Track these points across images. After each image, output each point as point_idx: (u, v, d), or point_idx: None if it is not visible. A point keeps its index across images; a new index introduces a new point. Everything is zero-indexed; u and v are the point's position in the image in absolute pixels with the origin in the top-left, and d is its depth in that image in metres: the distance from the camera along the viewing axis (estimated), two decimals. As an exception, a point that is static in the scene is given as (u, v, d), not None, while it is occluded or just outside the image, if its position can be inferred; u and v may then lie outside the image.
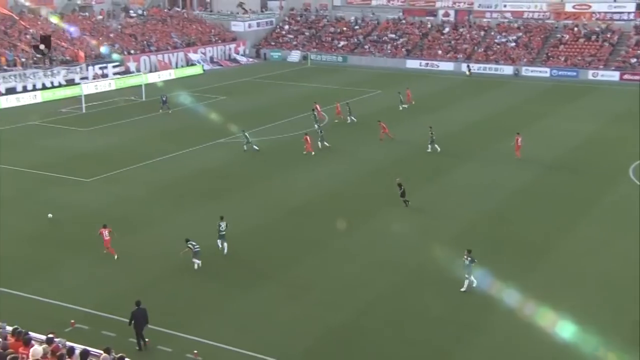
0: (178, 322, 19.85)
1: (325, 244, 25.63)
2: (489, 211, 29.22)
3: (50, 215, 27.79)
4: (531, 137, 40.28)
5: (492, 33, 73.43)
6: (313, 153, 37.11)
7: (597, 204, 30.30)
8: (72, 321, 19.08)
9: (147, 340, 18.59)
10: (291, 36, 79.84)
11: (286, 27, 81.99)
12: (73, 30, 62.96)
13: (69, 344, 13.73)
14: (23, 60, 56.42)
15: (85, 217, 27.59)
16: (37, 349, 12.83)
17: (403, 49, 73.56)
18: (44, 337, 13.93)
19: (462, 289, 21.54)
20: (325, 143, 38.33)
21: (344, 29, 79.08)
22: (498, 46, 71.01)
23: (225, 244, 24.47)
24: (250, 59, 76.13)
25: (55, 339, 13.71)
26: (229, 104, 52.15)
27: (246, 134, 38.34)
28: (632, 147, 38.54)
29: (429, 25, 76.63)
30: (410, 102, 50.50)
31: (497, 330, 19.90)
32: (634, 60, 64.71)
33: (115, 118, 46.67)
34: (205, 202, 29.44)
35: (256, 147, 37.98)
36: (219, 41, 75.30)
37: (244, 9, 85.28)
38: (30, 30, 61.17)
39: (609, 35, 68.54)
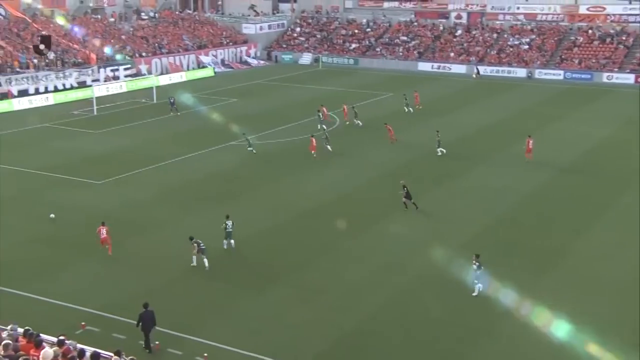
0: (188, 324, 19.79)
1: (335, 247, 25.53)
2: (501, 215, 28.95)
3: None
4: (544, 140, 39.95)
5: (505, 35, 72.89)
6: (314, 155, 36.92)
7: (611, 207, 29.91)
8: (83, 323, 19.09)
9: (157, 343, 18.51)
10: (302, 38, 79.71)
11: (297, 29, 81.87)
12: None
13: (79, 346, 13.79)
14: (35, 62, 56.67)
15: (96, 219, 27.23)
16: (48, 352, 12.83)
17: (415, 52, 73.18)
18: (54, 339, 13.91)
19: (474, 294, 21.35)
20: (329, 147, 37.94)
21: (356, 31, 78.82)
22: (511, 49, 70.46)
23: (232, 241, 24.73)
24: (262, 62, 76.04)
25: (66, 341, 13.71)
26: (240, 107, 52.08)
27: (247, 137, 38.18)
28: (647, 151, 38.09)
29: (441, 28, 76.20)
30: (418, 105, 50.20)
31: (507, 335, 19.69)
32: (649, 62, 64.06)
33: (126, 120, 46.72)
34: (216, 204, 29.33)
35: (253, 150, 37.71)
36: (230, 43, 75.30)
37: (255, 11, 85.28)
38: (43, 33, 61.43)
39: (623, 38, 67.81)
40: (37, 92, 54.27)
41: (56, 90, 55.39)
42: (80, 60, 59.65)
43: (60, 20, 63.24)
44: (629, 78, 63.05)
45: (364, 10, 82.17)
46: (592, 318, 20.19)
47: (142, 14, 75.79)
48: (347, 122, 45.21)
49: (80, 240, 25.96)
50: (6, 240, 25.90)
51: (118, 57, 61.60)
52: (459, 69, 69.09)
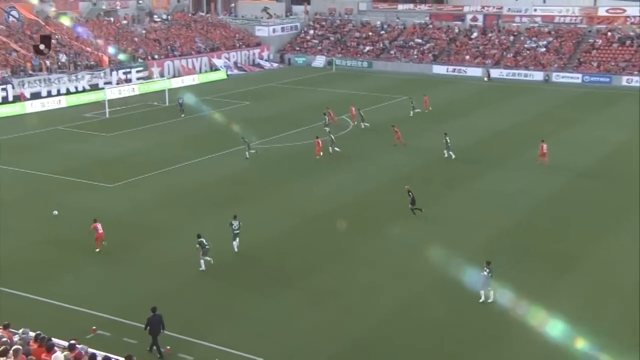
0: (199, 329, 19.66)
1: (346, 251, 25.33)
2: (517, 220, 28.53)
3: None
4: (561, 144, 39.61)
5: (522, 38, 71.84)
6: (318, 157, 36.98)
7: (628, 212, 29.28)
8: (94, 327, 18.99)
9: (168, 347, 18.32)
10: (316, 41, 79.11)
11: (311, 32, 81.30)
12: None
13: (90, 350, 13.81)
14: (48, 65, 56.52)
15: (108, 223, 27.44)
16: (59, 356, 12.90)
17: (430, 54, 72.32)
18: (65, 344, 13.90)
19: (481, 300, 21.07)
20: (333, 149, 37.93)
21: (370, 33, 78.12)
22: (528, 51, 69.43)
23: (238, 240, 24.75)
24: (275, 64, 75.56)
25: (77, 346, 13.72)
26: (252, 110, 51.77)
27: (247, 140, 37.85)
28: (667, 156, 37.27)
29: (457, 30, 75.29)
30: (428, 108, 49.76)
31: (520, 342, 19.28)
32: (670, 65, 62.74)
33: (138, 123, 46.57)
34: (226, 208, 28.93)
35: (247, 155, 37.16)
36: (243, 46, 74.87)
37: (268, 13, 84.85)
38: (56, 36, 61.30)
39: (643, 40, 66.62)
40: (49, 94, 54.24)
41: (68, 92, 55.26)
42: (92, 62, 59.44)
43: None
44: (649, 81, 61.90)
45: (378, 12, 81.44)
46: (607, 323, 19.84)
47: (155, 16, 75.58)
48: (355, 124, 45.17)
49: (91, 243, 25.75)
50: (17, 242, 25.92)
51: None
52: (474, 72, 68.14)
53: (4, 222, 27.72)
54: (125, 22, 71.23)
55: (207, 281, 22.79)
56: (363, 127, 44.38)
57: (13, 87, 52.41)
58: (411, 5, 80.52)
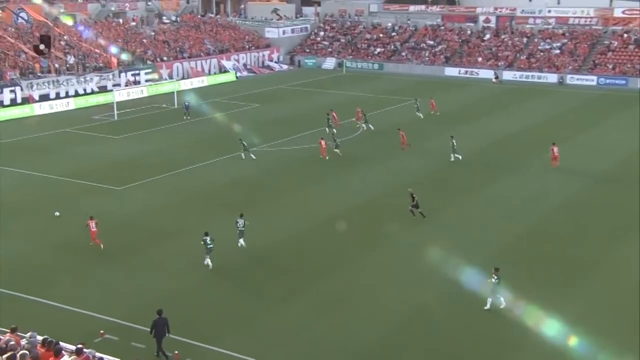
0: (208, 334, 19.41)
1: (357, 256, 25.01)
2: (532, 226, 28.07)
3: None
4: (576, 148, 39.22)
5: (536, 40, 70.79)
6: (321, 157, 37.04)
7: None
8: (102, 331, 18.83)
9: (176, 352, 18.01)
10: (326, 43, 78.40)
11: (321, 33, 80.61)
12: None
13: (98, 354, 13.84)
14: (57, 66, 56.13)
15: (116, 226, 27.55)
16: None
17: (442, 56, 71.45)
18: (73, 348, 13.84)
19: (486, 308, 20.65)
20: (338, 152, 37.77)
21: (381, 35, 77.32)
22: (541, 53, 68.43)
23: (243, 238, 24.78)
24: (284, 66, 74.93)
25: (85, 350, 13.68)
26: (261, 112, 51.32)
27: (243, 142, 37.45)
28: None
29: (469, 32, 74.40)
30: (435, 111, 49.23)
31: (533, 349, 18.89)
32: (687, 68, 61.53)
33: (147, 125, 46.25)
34: (236, 211, 28.45)
35: (243, 156, 37.24)
36: (253, 48, 74.29)
37: (278, 15, 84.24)
38: (65, 37, 60.98)
39: (660, 42, 65.44)
40: (57, 96, 53.86)
41: (77, 94, 54.87)
42: (101, 64, 59.02)
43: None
44: (666, 84, 60.75)
45: (389, 14, 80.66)
46: (626, 332, 19.39)
47: (164, 17, 75.18)
48: (357, 125, 44.90)
49: (99, 247, 25.53)
50: (25, 245, 25.76)
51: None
52: (487, 74, 67.16)
53: (12, 224, 27.74)
54: (134, 23, 70.84)
55: (217, 285, 22.63)
56: (365, 128, 43.96)
57: (22, 89, 52.07)
58: (423, 7, 79.64)
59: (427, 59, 71.68)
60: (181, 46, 68.27)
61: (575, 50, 67.44)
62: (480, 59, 69.53)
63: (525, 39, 71.16)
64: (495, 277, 20.63)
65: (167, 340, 18.18)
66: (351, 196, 31.60)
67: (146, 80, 59.79)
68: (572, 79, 64.23)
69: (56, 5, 65.05)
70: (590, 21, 70.41)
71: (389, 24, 78.61)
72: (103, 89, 56.28)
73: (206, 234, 23.46)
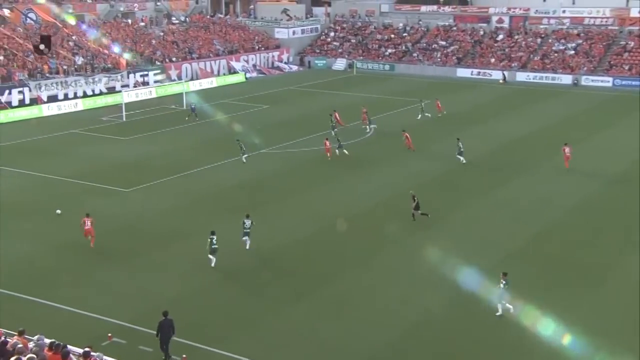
0: (214, 337, 19.30)
1: (367, 260, 24.67)
2: (542, 228, 27.47)
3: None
4: (591, 150, 38.74)
5: (550, 40, 69.69)
6: (328, 157, 36.96)
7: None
8: (109, 334, 18.64)
9: (184, 356, 17.69)
10: (336, 43, 77.65)
11: (331, 34, 79.87)
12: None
13: (106, 358, 13.83)
14: (65, 67, 55.74)
15: (123, 228, 27.41)
16: None
17: (454, 57, 70.50)
18: (80, 351, 13.88)
19: (498, 314, 20.22)
20: (344, 151, 37.66)
21: (392, 36, 76.46)
22: (556, 54, 67.34)
23: (249, 239, 24.81)
24: (294, 67, 74.26)
25: (92, 353, 13.69)
26: (270, 114, 50.81)
27: (241, 144, 36.86)
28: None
29: (482, 32, 73.40)
30: (442, 112, 48.60)
31: (543, 355, 18.44)
32: None
33: (155, 127, 45.86)
34: (243, 214, 28.05)
35: (244, 159, 36.53)
36: (262, 48, 73.68)
37: (288, 15, 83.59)
38: (73, 37, 60.63)
39: (677, 43, 64.15)
40: (66, 97, 53.49)
41: (85, 95, 54.48)
42: (109, 65, 58.59)
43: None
44: (684, 85, 59.48)
45: (400, 14, 79.78)
46: (637, 335, 18.99)
47: (173, 18, 74.76)
48: (364, 126, 44.54)
49: (106, 249, 25.47)
50: (32, 247, 25.63)
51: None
52: (499, 75, 66.13)
53: (19, 226, 27.53)
54: (143, 24, 70.43)
55: (223, 287, 22.51)
56: (369, 130, 43.54)
57: (30, 90, 51.72)
58: (435, 7, 78.70)
59: (439, 59, 70.75)
60: (190, 47, 67.76)
61: (591, 51, 66.30)
62: (493, 60, 68.53)
63: (539, 40, 70.09)
64: (504, 282, 20.23)
65: (173, 343, 17.92)
66: (358, 198, 31.29)
67: (155, 81, 59.36)
68: (587, 80, 63.14)
69: (64, 6, 64.74)
70: (606, 21, 69.20)
71: (400, 25, 77.76)
72: (111, 90, 55.85)
73: (213, 233, 23.46)
